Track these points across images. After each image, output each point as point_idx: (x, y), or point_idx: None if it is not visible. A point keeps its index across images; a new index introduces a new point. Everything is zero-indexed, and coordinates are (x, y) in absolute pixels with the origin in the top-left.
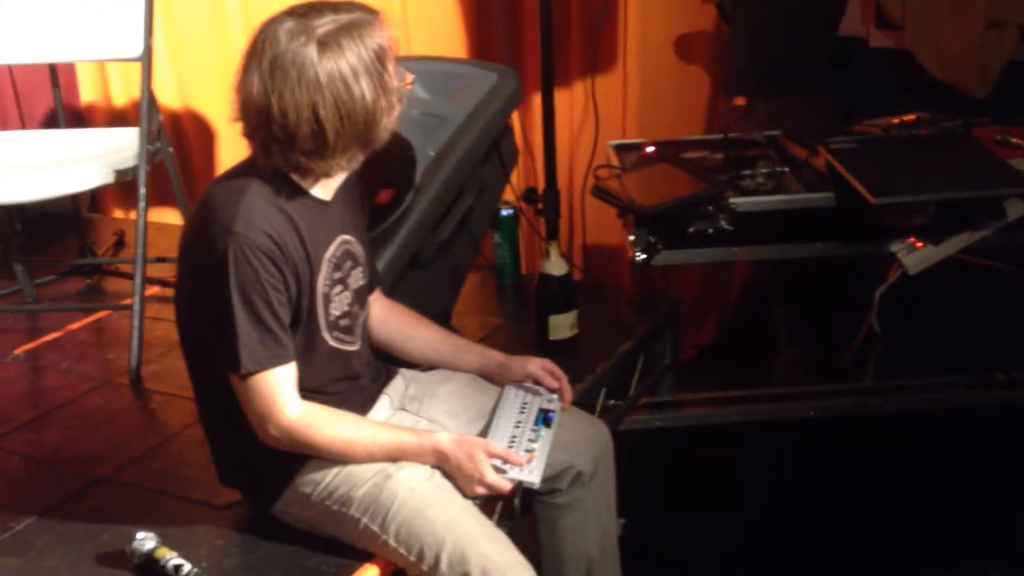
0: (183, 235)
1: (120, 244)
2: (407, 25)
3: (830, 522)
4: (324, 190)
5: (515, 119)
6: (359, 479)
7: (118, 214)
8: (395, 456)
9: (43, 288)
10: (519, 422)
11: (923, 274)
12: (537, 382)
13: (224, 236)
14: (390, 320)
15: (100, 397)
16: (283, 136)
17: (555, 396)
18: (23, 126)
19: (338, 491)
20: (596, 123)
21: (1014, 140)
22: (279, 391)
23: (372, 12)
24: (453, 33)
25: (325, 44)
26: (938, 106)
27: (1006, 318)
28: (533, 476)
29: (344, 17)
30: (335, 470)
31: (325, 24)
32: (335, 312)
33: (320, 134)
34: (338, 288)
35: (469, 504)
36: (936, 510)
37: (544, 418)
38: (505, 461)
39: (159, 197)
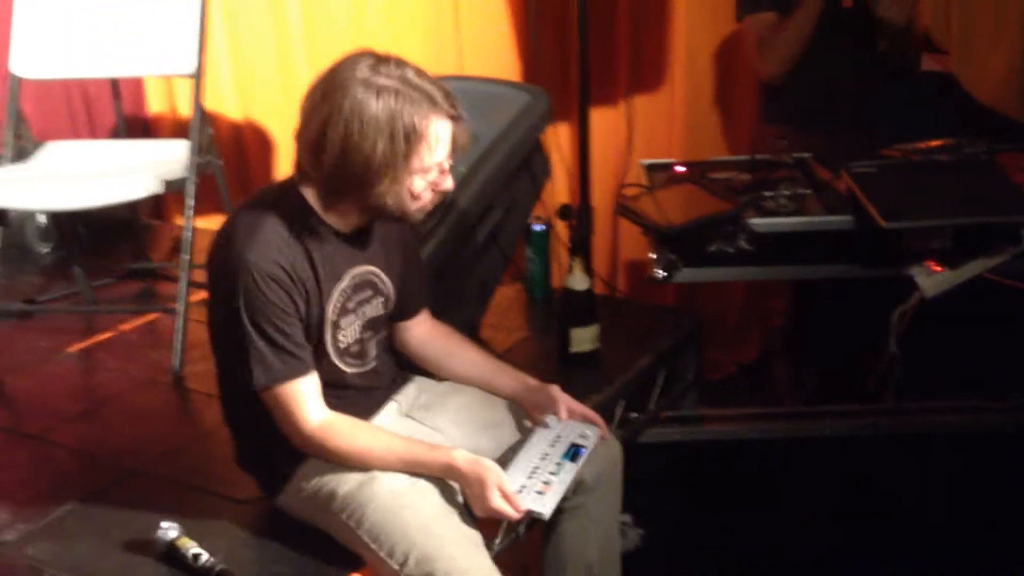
0: (209, 253)
1: (176, 250)
2: (461, 47)
3: (846, 539)
4: (344, 223)
5: (555, 137)
6: (347, 477)
7: (179, 221)
8: (410, 466)
9: (101, 290)
10: (546, 454)
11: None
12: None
13: (239, 264)
14: (432, 341)
15: (142, 395)
16: (307, 153)
17: (590, 433)
18: (92, 136)
19: (326, 487)
20: (630, 141)
21: None
22: (299, 402)
23: (439, 104)
24: (503, 54)
25: (372, 88)
26: (984, 131)
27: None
28: (545, 508)
29: (412, 87)
30: (329, 468)
31: (392, 78)
32: (344, 340)
33: (319, 161)
34: (349, 318)
35: (450, 509)
36: (947, 532)
37: (573, 453)
38: (510, 502)
39: (212, 205)
